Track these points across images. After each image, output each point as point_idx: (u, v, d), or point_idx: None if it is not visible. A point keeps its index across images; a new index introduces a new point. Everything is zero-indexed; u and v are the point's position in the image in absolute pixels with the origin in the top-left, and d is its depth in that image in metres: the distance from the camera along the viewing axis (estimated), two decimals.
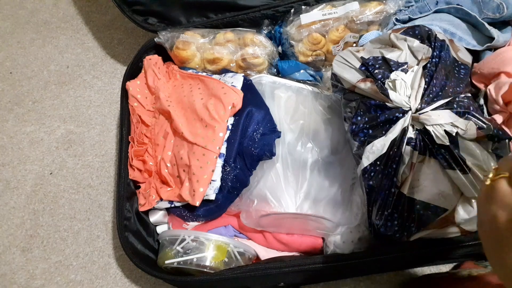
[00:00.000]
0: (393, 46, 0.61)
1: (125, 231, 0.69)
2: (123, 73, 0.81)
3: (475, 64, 0.67)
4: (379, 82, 0.56)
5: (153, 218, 0.74)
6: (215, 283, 0.65)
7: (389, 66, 0.58)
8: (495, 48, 0.69)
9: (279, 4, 0.80)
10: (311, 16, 0.77)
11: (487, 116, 0.63)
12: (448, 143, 0.53)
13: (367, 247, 0.69)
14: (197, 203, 0.65)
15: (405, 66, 0.57)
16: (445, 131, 0.53)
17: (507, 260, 0.33)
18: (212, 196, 0.66)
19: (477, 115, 0.55)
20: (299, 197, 0.66)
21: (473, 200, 0.55)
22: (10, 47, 1.05)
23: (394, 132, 0.55)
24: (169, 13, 0.83)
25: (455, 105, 0.55)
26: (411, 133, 0.55)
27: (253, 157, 0.66)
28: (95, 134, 0.93)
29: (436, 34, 0.60)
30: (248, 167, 0.66)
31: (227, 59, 0.79)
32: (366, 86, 0.58)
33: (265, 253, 0.71)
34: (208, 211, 0.67)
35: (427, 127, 0.54)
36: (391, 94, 0.55)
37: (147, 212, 0.74)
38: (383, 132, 0.56)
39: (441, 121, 0.53)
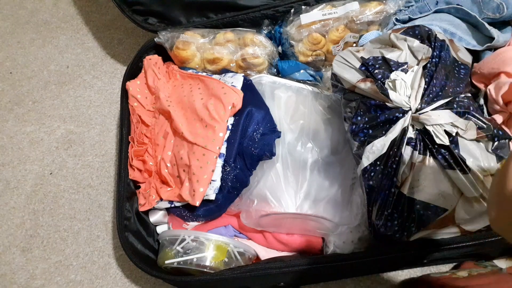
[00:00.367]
0: (393, 46, 0.61)
1: (125, 231, 0.69)
2: (123, 73, 0.81)
3: (475, 64, 0.67)
4: (379, 82, 0.56)
5: (153, 218, 0.74)
6: (215, 283, 0.65)
7: (389, 66, 0.58)
8: (495, 48, 0.69)
9: (279, 4, 0.80)
10: (311, 16, 0.77)
11: (487, 116, 0.63)
12: (448, 143, 0.53)
13: (367, 247, 0.69)
14: (197, 203, 0.65)
15: (405, 66, 0.57)
16: (445, 131, 0.53)
17: None
18: (212, 196, 0.66)
19: (477, 115, 0.55)
20: (299, 197, 0.66)
21: (473, 200, 0.54)
22: (10, 47, 1.05)
23: (394, 132, 0.55)
24: (169, 13, 0.83)
25: (455, 105, 0.55)
26: (411, 133, 0.55)
27: (253, 157, 0.66)
28: (95, 134, 0.93)
29: (436, 34, 0.60)
30: (248, 167, 0.66)
31: (227, 59, 0.79)
32: (366, 86, 0.58)
33: (265, 253, 0.71)
34: (208, 211, 0.67)
35: (427, 127, 0.54)
36: (391, 94, 0.55)
37: (147, 212, 0.74)
38: (383, 132, 0.56)
39: (441, 121, 0.53)
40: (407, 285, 0.75)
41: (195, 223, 0.72)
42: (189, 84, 0.75)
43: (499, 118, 0.62)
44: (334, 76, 0.64)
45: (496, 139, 0.55)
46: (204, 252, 0.65)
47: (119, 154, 0.76)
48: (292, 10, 0.79)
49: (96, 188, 0.87)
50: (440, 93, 0.55)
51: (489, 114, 0.64)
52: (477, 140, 0.55)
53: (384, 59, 0.59)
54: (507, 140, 0.55)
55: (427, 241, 0.60)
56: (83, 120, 0.95)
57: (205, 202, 0.67)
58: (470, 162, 0.53)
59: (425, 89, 0.55)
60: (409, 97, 0.55)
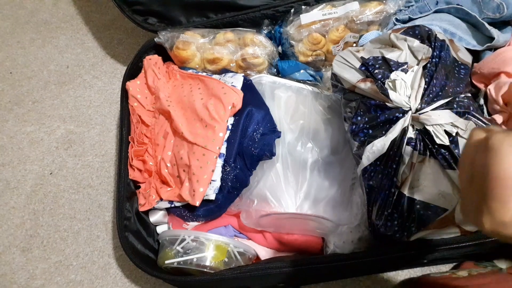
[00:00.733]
0: (393, 46, 0.61)
1: (125, 231, 0.69)
2: (123, 73, 0.81)
3: (475, 64, 0.67)
4: (379, 82, 0.56)
5: (153, 218, 0.74)
6: (215, 283, 0.65)
7: (389, 66, 0.58)
8: (495, 48, 0.69)
9: (279, 4, 0.80)
10: (311, 16, 0.77)
11: (487, 116, 0.63)
12: (448, 143, 0.53)
13: (367, 247, 0.69)
14: (197, 203, 0.65)
15: (405, 66, 0.57)
16: (445, 131, 0.53)
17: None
18: (212, 196, 0.66)
19: (477, 115, 0.55)
20: (299, 197, 0.66)
21: None
22: (10, 47, 1.05)
23: (394, 132, 0.55)
24: (169, 13, 0.83)
25: (455, 105, 0.55)
26: (411, 133, 0.55)
27: (253, 157, 0.66)
28: (95, 134, 0.93)
29: (436, 34, 0.60)
30: (248, 167, 0.66)
31: (227, 59, 0.79)
32: (366, 86, 0.58)
33: (265, 253, 0.71)
34: (208, 211, 0.67)
35: (427, 127, 0.54)
36: (391, 94, 0.55)
37: (147, 212, 0.74)
38: (383, 132, 0.56)
39: (441, 121, 0.53)
40: (407, 285, 0.75)
41: (195, 223, 0.72)
42: (189, 84, 0.75)
43: (499, 118, 0.62)
44: (334, 76, 0.64)
45: None
46: (204, 252, 0.65)
47: (119, 154, 0.76)
48: (292, 10, 0.79)
49: (96, 188, 0.87)
50: (440, 93, 0.55)
51: (489, 114, 0.64)
52: None
53: (384, 59, 0.59)
54: None
55: (427, 241, 0.60)
56: (83, 120, 0.95)
57: (205, 202, 0.67)
58: None
59: (425, 89, 0.55)
60: (409, 97, 0.55)
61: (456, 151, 0.53)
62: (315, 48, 0.79)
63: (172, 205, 0.70)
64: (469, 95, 0.59)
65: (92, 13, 1.08)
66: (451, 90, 0.56)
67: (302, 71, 0.79)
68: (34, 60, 1.03)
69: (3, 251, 0.82)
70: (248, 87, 0.72)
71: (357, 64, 0.60)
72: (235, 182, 0.66)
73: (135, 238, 0.70)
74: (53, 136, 0.93)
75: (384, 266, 0.73)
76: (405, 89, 0.56)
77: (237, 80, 0.72)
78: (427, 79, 0.55)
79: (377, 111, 0.57)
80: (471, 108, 0.55)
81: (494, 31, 0.68)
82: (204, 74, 0.76)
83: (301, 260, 0.64)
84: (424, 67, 0.56)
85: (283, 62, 0.81)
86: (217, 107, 0.68)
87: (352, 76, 0.60)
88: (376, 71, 0.57)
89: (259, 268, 0.63)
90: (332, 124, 0.72)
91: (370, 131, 0.58)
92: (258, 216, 0.65)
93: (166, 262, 0.65)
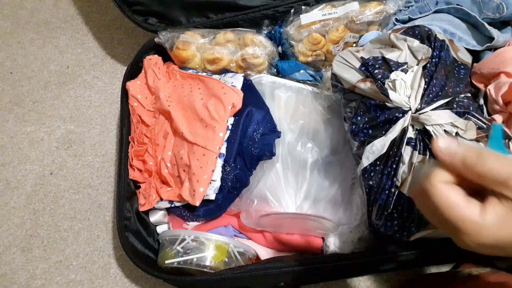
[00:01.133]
0: (393, 46, 0.61)
1: (125, 231, 0.69)
2: (123, 73, 0.81)
3: (475, 64, 0.67)
4: (379, 82, 0.56)
5: (153, 218, 0.74)
6: (215, 283, 0.66)
7: (389, 66, 0.58)
8: (495, 48, 0.69)
9: (279, 4, 0.80)
10: (311, 16, 0.77)
11: (487, 116, 0.63)
12: None
13: (367, 247, 0.69)
14: (197, 203, 0.65)
15: (405, 66, 0.57)
16: (445, 131, 0.53)
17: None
18: (212, 196, 0.66)
19: (477, 115, 0.55)
20: (299, 197, 0.66)
21: None
22: (10, 47, 1.05)
23: (394, 132, 0.55)
24: (169, 13, 0.83)
25: (455, 105, 0.55)
26: (411, 133, 0.55)
27: (253, 157, 0.66)
28: (95, 134, 0.93)
29: (436, 34, 0.60)
30: (248, 167, 0.66)
31: (227, 59, 0.79)
32: (366, 86, 0.58)
33: (265, 253, 0.71)
34: (208, 211, 0.67)
35: (427, 127, 0.54)
36: (391, 94, 0.55)
37: (147, 212, 0.74)
38: (383, 132, 0.56)
39: (441, 121, 0.53)
40: (407, 285, 0.75)
41: (195, 223, 0.72)
42: (189, 84, 0.75)
43: (499, 118, 0.62)
44: (334, 76, 0.64)
45: None
46: (204, 252, 0.65)
47: (119, 154, 0.76)
48: (292, 10, 0.79)
49: (96, 188, 0.87)
50: (440, 93, 0.55)
51: (489, 114, 0.64)
52: (477, 140, 0.55)
53: (384, 59, 0.59)
54: (507, 140, 0.55)
55: (427, 241, 0.60)
56: (83, 120, 0.95)
57: (205, 202, 0.67)
58: None
59: (425, 89, 0.55)
60: (409, 97, 0.55)
61: None
62: (315, 48, 0.79)
63: (172, 205, 0.70)
64: (469, 95, 0.59)
65: (93, 13, 1.08)
66: (451, 90, 0.56)
67: (302, 71, 0.79)
68: (34, 60, 1.03)
69: (3, 251, 0.82)
70: (248, 87, 0.72)
71: (357, 64, 0.60)
72: (235, 182, 0.66)
73: (135, 238, 0.70)
74: (53, 136, 0.93)
75: (384, 266, 0.73)
76: (405, 89, 0.56)
77: (237, 80, 0.72)
78: (427, 79, 0.55)
79: (377, 111, 0.57)
80: (471, 108, 0.55)
81: (494, 31, 0.68)
82: (204, 74, 0.76)
83: (301, 260, 0.64)
84: (424, 67, 0.56)
85: (283, 62, 0.81)
86: (217, 107, 0.68)
87: (352, 76, 0.60)
88: (376, 71, 0.57)
89: (259, 268, 0.63)
90: (332, 124, 0.72)
91: (370, 131, 0.58)
92: (258, 216, 0.65)
93: (166, 262, 0.65)
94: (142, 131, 0.75)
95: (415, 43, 0.59)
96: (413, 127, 0.55)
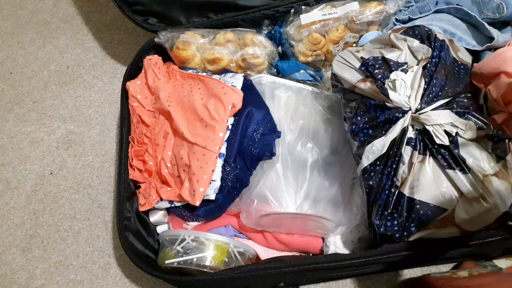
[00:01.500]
0: (393, 46, 0.61)
1: (125, 231, 0.69)
2: (123, 73, 0.81)
3: (475, 64, 0.67)
4: (379, 82, 0.56)
5: (153, 218, 0.74)
6: (215, 283, 0.66)
7: (389, 66, 0.58)
8: (495, 48, 0.69)
9: (279, 4, 0.80)
10: (311, 16, 0.77)
11: (487, 116, 0.63)
12: (448, 143, 0.53)
13: (367, 247, 0.69)
14: (197, 203, 0.65)
15: (405, 66, 0.57)
16: (445, 131, 0.53)
17: None
18: (212, 196, 0.66)
19: (477, 115, 0.55)
20: (299, 197, 0.66)
21: (473, 200, 0.54)
22: (10, 47, 1.05)
23: (394, 132, 0.55)
24: (169, 13, 0.83)
25: (455, 105, 0.55)
26: (411, 133, 0.55)
27: (253, 157, 0.66)
28: (95, 134, 0.93)
29: (436, 34, 0.60)
30: (248, 167, 0.66)
31: (227, 59, 0.79)
32: (366, 86, 0.58)
33: (265, 253, 0.71)
34: (208, 211, 0.67)
35: (427, 127, 0.54)
36: (391, 94, 0.55)
37: (147, 212, 0.74)
38: (383, 132, 0.56)
39: (441, 121, 0.53)
40: (407, 285, 0.75)
41: (195, 223, 0.72)
42: (189, 84, 0.75)
43: (499, 118, 0.62)
44: (334, 76, 0.64)
45: (496, 139, 0.55)
46: (204, 252, 0.65)
47: (119, 154, 0.76)
48: (292, 10, 0.79)
49: (96, 188, 0.87)
50: (440, 93, 0.55)
51: (489, 114, 0.64)
52: (477, 140, 0.55)
53: (384, 59, 0.59)
54: (507, 140, 0.55)
55: (427, 241, 0.60)
56: (83, 120, 0.95)
57: (205, 202, 0.67)
58: (470, 162, 0.53)
59: (425, 89, 0.55)
60: (409, 97, 0.55)
61: (456, 151, 0.53)
62: (315, 48, 0.79)
63: (172, 205, 0.70)
64: (469, 95, 0.59)
65: (93, 13, 1.08)
66: (451, 90, 0.56)
67: (302, 71, 0.79)
68: (35, 60, 1.03)
69: (3, 251, 0.82)
70: (248, 87, 0.72)
71: (357, 64, 0.60)
72: (235, 182, 0.66)
73: (135, 238, 0.70)
74: (53, 136, 0.93)
75: (384, 266, 0.73)
76: (405, 89, 0.56)
77: (237, 80, 0.72)
78: (427, 79, 0.55)
79: (377, 111, 0.57)
80: (471, 108, 0.55)
81: (494, 31, 0.68)
82: (204, 74, 0.76)
83: (301, 260, 0.64)
84: (424, 67, 0.57)
85: (283, 62, 0.81)
86: (217, 107, 0.68)
87: (352, 76, 0.60)
88: (376, 71, 0.57)
89: (259, 268, 0.63)
90: (332, 124, 0.72)
91: (370, 131, 0.58)
92: (258, 216, 0.65)
93: (166, 262, 0.65)
94: (142, 131, 0.75)
95: (415, 43, 0.59)
96: (413, 127, 0.55)
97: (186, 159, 0.67)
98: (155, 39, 0.81)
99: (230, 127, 0.68)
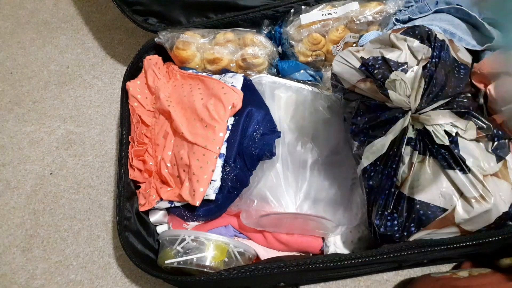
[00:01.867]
0: (393, 46, 0.61)
1: (125, 231, 0.69)
2: (123, 73, 0.81)
3: (475, 64, 0.67)
4: (379, 82, 0.56)
5: (153, 218, 0.74)
6: (215, 283, 0.65)
7: (389, 66, 0.58)
8: (495, 48, 0.69)
9: (279, 4, 0.80)
10: (311, 16, 0.77)
11: (487, 116, 0.63)
12: (448, 143, 0.53)
13: (367, 247, 0.69)
14: (197, 203, 0.65)
15: (405, 66, 0.57)
16: (445, 131, 0.53)
17: None
18: (212, 196, 0.66)
19: (477, 115, 0.55)
20: (299, 197, 0.66)
21: (473, 200, 0.54)
22: (10, 47, 1.05)
23: (394, 132, 0.55)
24: (169, 13, 0.83)
25: (455, 105, 0.55)
26: (411, 133, 0.55)
27: (253, 157, 0.66)
28: (95, 134, 0.93)
29: (436, 34, 0.60)
30: (248, 167, 0.66)
31: (227, 59, 0.79)
32: (366, 86, 0.58)
33: (265, 253, 0.71)
34: (208, 211, 0.67)
35: (427, 127, 0.54)
36: (391, 94, 0.55)
37: (147, 212, 0.74)
38: (383, 132, 0.56)
39: (441, 121, 0.53)
40: (407, 285, 0.75)
41: (195, 223, 0.72)
42: (189, 84, 0.75)
43: (499, 118, 0.62)
44: (334, 76, 0.64)
45: (496, 139, 0.55)
46: (204, 252, 0.65)
47: (119, 154, 0.76)
48: (292, 10, 0.79)
49: (96, 188, 0.87)
50: (440, 93, 0.55)
51: (489, 114, 0.64)
52: (477, 140, 0.55)
53: (384, 59, 0.59)
54: (507, 140, 0.55)
55: (427, 241, 0.60)
56: (83, 120, 0.95)
57: (205, 202, 0.67)
58: (470, 162, 0.53)
59: (425, 89, 0.55)
60: (409, 97, 0.55)
61: (456, 151, 0.53)
62: (315, 48, 0.79)
63: (172, 205, 0.70)
64: (469, 95, 0.59)
65: (93, 13, 1.08)
66: (451, 90, 0.56)
67: (302, 71, 0.79)
68: (35, 60, 1.03)
69: (3, 251, 0.82)
70: (248, 87, 0.72)
71: (357, 64, 0.60)
72: (235, 182, 0.66)
73: (135, 238, 0.70)
74: (53, 136, 0.93)
75: (384, 266, 0.73)
76: (405, 89, 0.56)
77: (237, 80, 0.72)
78: (427, 79, 0.55)
79: (377, 111, 0.57)
80: (471, 108, 0.55)
81: (494, 31, 0.68)
82: (204, 74, 0.76)
83: (301, 260, 0.64)
84: (424, 67, 0.56)
85: (283, 62, 0.81)
86: (217, 107, 0.68)
87: (352, 76, 0.60)
88: (376, 71, 0.57)
89: (259, 268, 0.63)
90: (332, 124, 0.72)
91: (370, 131, 0.58)
92: (258, 216, 0.65)
93: (166, 262, 0.65)
94: (142, 131, 0.75)
95: (415, 43, 0.59)
96: (413, 127, 0.55)
97: (186, 159, 0.67)
98: (155, 39, 0.81)
99: (230, 127, 0.68)
